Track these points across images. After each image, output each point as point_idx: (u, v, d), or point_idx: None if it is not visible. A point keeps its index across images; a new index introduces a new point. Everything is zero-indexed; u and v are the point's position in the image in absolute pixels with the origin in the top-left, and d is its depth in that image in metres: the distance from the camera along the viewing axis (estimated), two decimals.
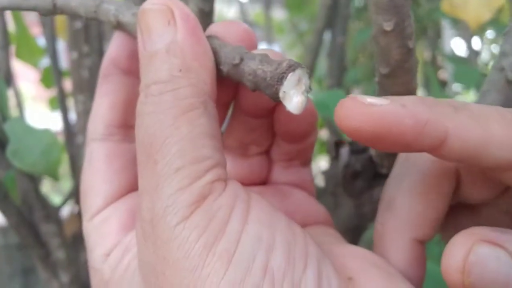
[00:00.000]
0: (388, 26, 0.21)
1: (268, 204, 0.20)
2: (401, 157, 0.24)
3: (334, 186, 0.31)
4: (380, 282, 0.20)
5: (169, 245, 0.17)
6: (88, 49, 0.68)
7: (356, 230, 0.33)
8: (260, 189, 0.25)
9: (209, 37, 0.22)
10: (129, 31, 0.23)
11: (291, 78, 0.20)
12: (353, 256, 0.21)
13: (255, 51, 0.22)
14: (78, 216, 0.68)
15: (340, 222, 0.32)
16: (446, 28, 1.66)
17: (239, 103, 0.24)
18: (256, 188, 0.25)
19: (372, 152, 0.30)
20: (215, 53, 0.21)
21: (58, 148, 0.38)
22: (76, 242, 0.70)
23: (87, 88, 0.69)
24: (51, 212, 0.57)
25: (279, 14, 2.04)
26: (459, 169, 0.22)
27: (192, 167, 0.18)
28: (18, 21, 0.83)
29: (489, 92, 0.27)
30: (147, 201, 0.18)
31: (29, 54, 0.87)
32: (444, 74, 1.48)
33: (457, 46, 1.77)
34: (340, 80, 0.63)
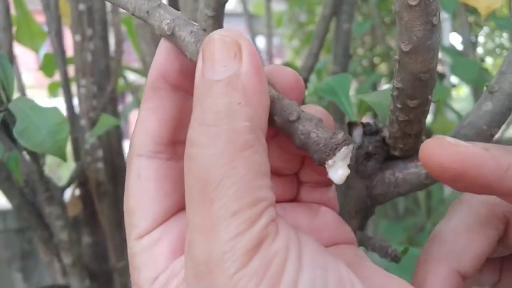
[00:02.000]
0: (413, 1, 0.21)
1: (316, 243, 0.20)
2: (455, 200, 0.27)
3: (352, 156, 0.31)
4: None
5: None
6: (91, 32, 0.68)
7: (367, 212, 0.33)
8: (292, 206, 0.26)
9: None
10: (180, 47, 0.22)
11: (343, 151, 0.21)
12: (389, 284, 0.22)
13: (310, 111, 0.22)
14: (79, 199, 0.68)
15: (351, 203, 0.32)
16: (444, 20, 1.66)
17: (278, 141, 0.24)
18: (288, 205, 0.26)
19: (385, 134, 0.30)
20: (271, 102, 0.21)
21: (67, 127, 0.38)
22: (77, 225, 0.70)
23: (90, 72, 0.69)
24: (54, 194, 0.57)
25: (278, 6, 2.04)
26: (508, 216, 0.25)
27: (249, 210, 0.18)
28: (19, 3, 0.82)
29: (508, 73, 0.27)
30: (201, 241, 0.18)
31: (30, 38, 0.86)
32: (442, 66, 1.48)
33: (455, 39, 1.78)
34: (345, 67, 0.63)
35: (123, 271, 0.68)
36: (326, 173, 0.22)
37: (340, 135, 0.21)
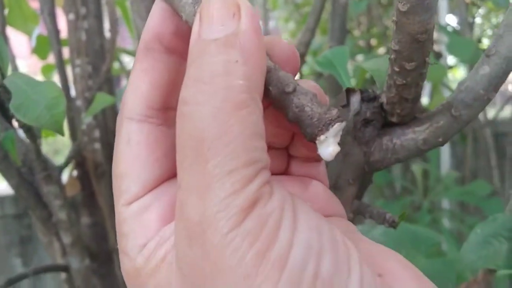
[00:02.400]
0: None
1: (310, 208, 0.20)
2: None
3: (343, 134, 0.31)
4: (410, 282, 0.20)
5: (221, 251, 0.17)
6: (85, 11, 0.67)
7: (364, 179, 0.33)
8: (283, 178, 0.26)
9: None
10: (176, 8, 0.22)
11: (336, 127, 0.20)
12: (381, 254, 0.22)
13: (304, 86, 0.22)
14: (77, 180, 0.68)
15: (349, 170, 0.32)
16: (441, 0, 1.66)
17: (269, 115, 0.24)
18: (279, 177, 0.26)
19: (383, 100, 0.30)
20: (268, 72, 0.21)
21: (63, 101, 0.37)
22: (75, 205, 0.70)
23: (84, 52, 0.69)
24: (52, 173, 0.57)
25: None
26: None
27: (244, 170, 0.18)
28: None
29: (505, 36, 0.27)
30: (194, 201, 0.18)
31: (22, 21, 0.85)
32: (439, 46, 1.48)
33: (451, 21, 1.78)
34: (341, 42, 0.62)
35: None
36: (316, 149, 0.21)
37: (334, 111, 0.21)
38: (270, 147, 0.25)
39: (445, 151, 1.67)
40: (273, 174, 0.25)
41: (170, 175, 0.23)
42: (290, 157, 0.26)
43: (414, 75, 0.27)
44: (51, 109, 0.37)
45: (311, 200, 0.25)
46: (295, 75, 0.24)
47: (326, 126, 0.20)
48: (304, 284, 0.17)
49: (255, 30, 0.20)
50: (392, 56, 0.26)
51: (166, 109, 0.23)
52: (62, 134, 0.38)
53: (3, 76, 0.45)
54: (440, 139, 0.30)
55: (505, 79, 0.29)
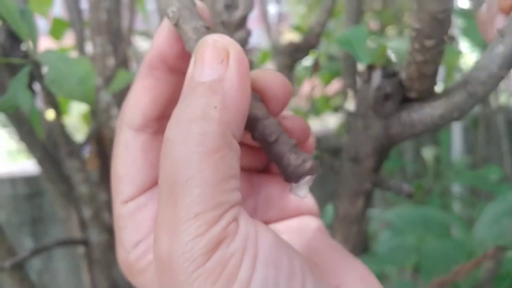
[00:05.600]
0: None
1: (273, 238, 0.21)
2: None
3: (364, 108, 0.33)
4: None
5: (186, 287, 0.19)
6: None
7: (382, 152, 0.35)
8: (267, 177, 0.28)
9: (253, 95, 0.23)
10: (181, 37, 0.23)
11: (307, 179, 0.23)
12: (344, 263, 0.24)
13: (292, 123, 0.24)
14: (97, 156, 0.70)
15: (369, 142, 0.33)
16: None
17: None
18: (264, 176, 0.28)
19: (402, 76, 0.31)
20: (254, 120, 0.23)
21: (94, 76, 0.39)
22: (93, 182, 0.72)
23: (105, 31, 0.70)
24: (74, 148, 0.59)
25: None
26: None
27: (210, 213, 0.19)
28: None
29: None
30: (164, 238, 0.20)
31: (38, 2, 0.86)
32: (453, 29, 1.48)
33: (465, 4, 1.77)
34: (357, 24, 0.63)
35: None
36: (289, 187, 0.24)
37: (308, 164, 0.22)
38: (252, 147, 0.27)
39: (457, 137, 1.67)
40: (256, 169, 0.28)
41: None
42: None
43: (433, 52, 0.28)
44: (82, 84, 0.39)
45: (288, 199, 0.28)
46: (286, 105, 0.25)
47: (297, 178, 0.23)
48: None
49: (241, 77, 0.21)
50: (413, 34, 0.28)
51: (162, 118, 0.25)
52: (92, 105, 0.40)
53: (35, 51, 0.46)
54: (456, 114, 0.31)
55: None
